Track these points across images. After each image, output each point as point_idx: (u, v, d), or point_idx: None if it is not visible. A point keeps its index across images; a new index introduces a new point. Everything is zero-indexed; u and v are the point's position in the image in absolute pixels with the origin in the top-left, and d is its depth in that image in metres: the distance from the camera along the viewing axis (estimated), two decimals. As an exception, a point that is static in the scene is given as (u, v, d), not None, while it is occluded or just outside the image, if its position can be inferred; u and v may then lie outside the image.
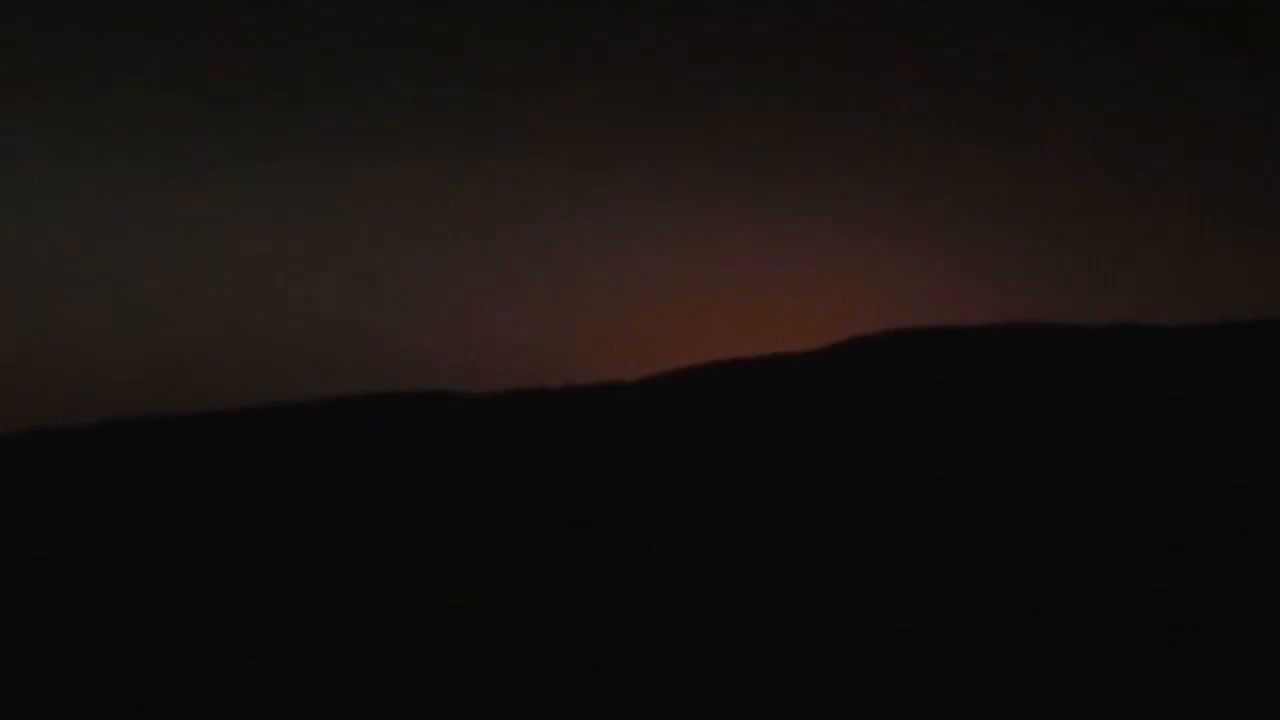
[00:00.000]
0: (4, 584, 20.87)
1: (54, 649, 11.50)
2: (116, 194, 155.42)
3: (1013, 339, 65.34)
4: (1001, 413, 37.51)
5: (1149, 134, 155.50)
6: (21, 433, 52.00)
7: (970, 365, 59.47)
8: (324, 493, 35.71)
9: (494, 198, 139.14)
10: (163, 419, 56.29)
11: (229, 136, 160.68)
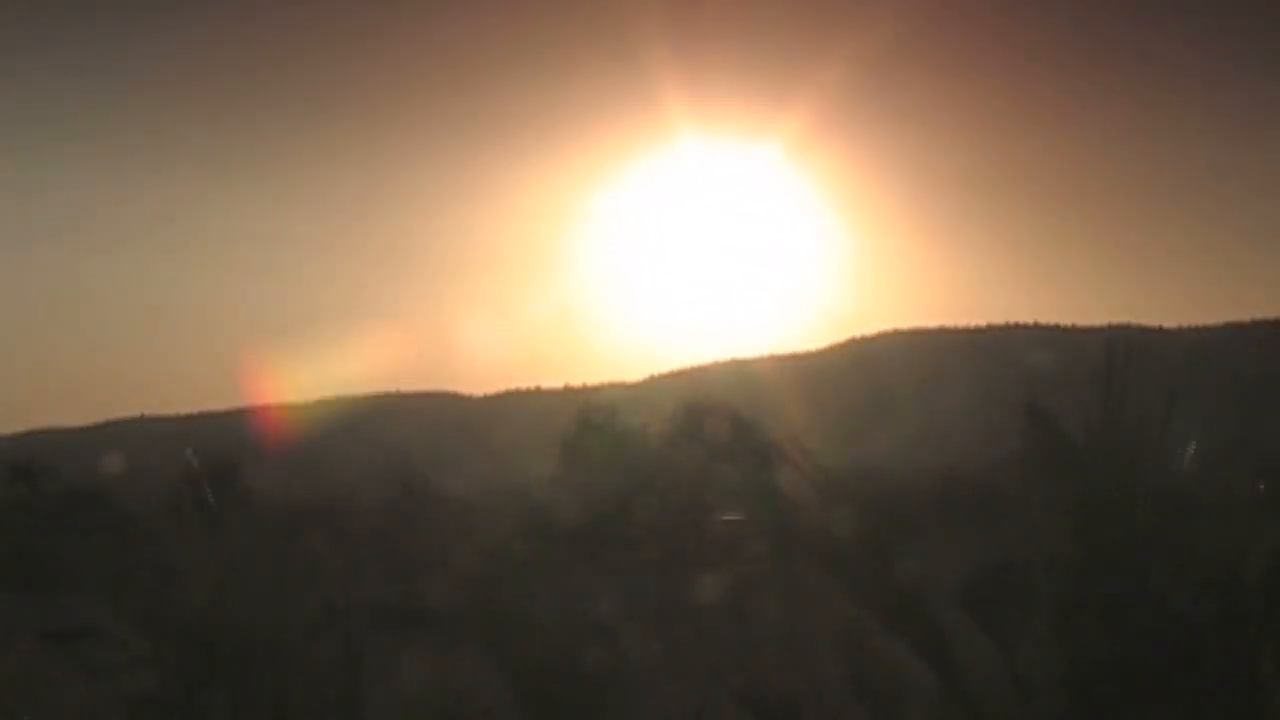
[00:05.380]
0: (4, 584, 20.95)
1: (54, 649, 11.61)
2: (115, 195, 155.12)
3: (1012, 339, 65.23)
4: (1001, 412, 37.59)
5: (1150, 134, 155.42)
6: (21, 433, 52.05)
7: (969, 365, 59.44)
8: (324, 492, 35.77)
9: (495, 200, 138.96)
10: (161, 419, 56.37)
11: (227, 138, 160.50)
